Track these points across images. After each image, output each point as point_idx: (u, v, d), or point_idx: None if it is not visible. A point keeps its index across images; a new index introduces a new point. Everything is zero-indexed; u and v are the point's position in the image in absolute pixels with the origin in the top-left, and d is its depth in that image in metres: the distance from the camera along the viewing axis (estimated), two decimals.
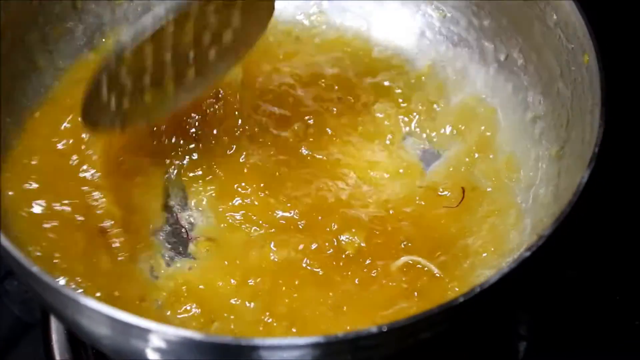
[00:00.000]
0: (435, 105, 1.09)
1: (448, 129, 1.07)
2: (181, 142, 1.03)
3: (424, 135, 1.08)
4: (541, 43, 1.00)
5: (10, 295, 1.03)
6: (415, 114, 1.08)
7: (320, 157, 1.04)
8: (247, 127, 1.04)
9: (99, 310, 0.75)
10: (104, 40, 1.09)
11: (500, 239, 0.97)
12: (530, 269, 0.79)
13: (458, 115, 1.07)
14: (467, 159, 1.04)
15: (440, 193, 1.01)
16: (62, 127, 1.00)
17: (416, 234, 0.97)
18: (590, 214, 0.91)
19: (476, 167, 1.03)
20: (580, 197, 0.82)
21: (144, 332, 0.74)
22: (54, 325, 0.99)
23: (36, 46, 1.02)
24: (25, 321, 1.02)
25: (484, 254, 0.95)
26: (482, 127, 1.05)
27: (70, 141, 0.99)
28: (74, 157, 0.98)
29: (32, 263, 0.77)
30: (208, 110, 1.04)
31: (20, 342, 1.02)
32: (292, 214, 0.98)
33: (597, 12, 0.94)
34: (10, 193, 0.94)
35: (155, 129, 1.02)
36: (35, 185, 0.95)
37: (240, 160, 1.02)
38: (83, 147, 0.99)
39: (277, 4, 0.98)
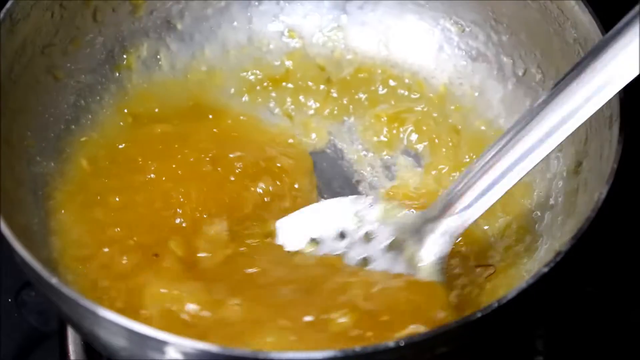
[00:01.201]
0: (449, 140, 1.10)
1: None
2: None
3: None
4: (560, 59, 1.00)
5: (28, 306, 1.03)
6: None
7: None
8: None
9: (116, 322, 0.75)
10: (124, 56, 1.10)
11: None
12: (548, 284, 0.79)
13: (471, 145, 1.08)
14: None
15: None
16: None
17: None
18: (608, 231, 0.91)
19: None
20: (598, 213, 0.82)
21: (161, 344, 0.74)
22: (71, 336, 1.00)
23: (57, 59, 1.03)
24: (42, 331, 1.02)
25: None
26: None
27: None
28: None
29: (51, 275, 0.78)
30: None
31: (37, 352, 1.02)
32: None
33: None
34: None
35: None
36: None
37: None
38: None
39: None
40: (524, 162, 0.87)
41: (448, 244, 0.92)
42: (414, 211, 0.98)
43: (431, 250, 0.93)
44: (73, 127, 1.05)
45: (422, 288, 0.90)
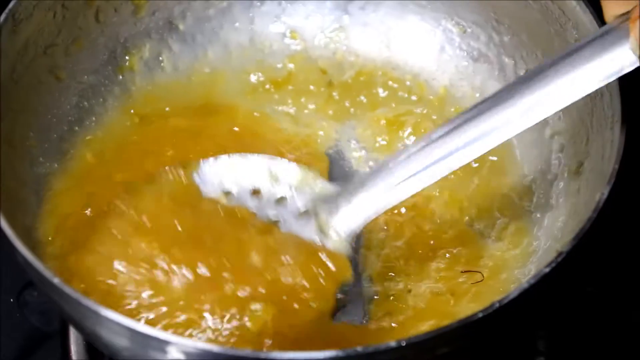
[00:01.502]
0: None
1: None
2: None
3: None
4: None
5: (30, 306, 1.03)
6: None
7: None
8: None
9: (118, 322, 0.75)
10: (127, 57, 1.10)
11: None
12: (550, 285, 0.79)
13: None
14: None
15: None
16: None
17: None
18: (609, 231, 0.91)
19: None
20: (599, 213, 0.82)
21: (163, 344, 0.74)
22: (73, 336, 1.00)
23: (59, 60, 1.03)
24: (43, 331, 1.02)
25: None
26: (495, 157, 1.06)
27: None
28: None
29: (53, 275, 0.78)
30: None
31: (39, 352, 1.02)
32: None
33: None
34: None
35: None
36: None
37: None
38: None
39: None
40: (458, 155, 0.87)
41: (361, 221, 0.92)
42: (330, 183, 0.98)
43: (343, 223, 0.92)
44: (76, 128, 1.06)
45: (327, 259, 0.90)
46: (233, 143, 1.05)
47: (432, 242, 1.00)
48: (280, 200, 0.96)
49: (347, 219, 0.92)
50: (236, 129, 1.09)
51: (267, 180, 0.97)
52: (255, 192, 0.97)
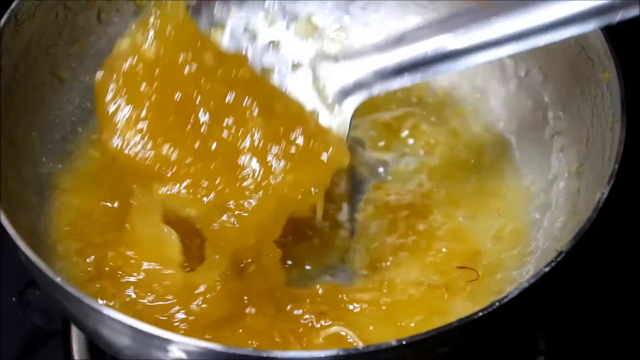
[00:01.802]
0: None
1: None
2: None
3: None
4: (561, 60, 1.00)
5: (32, 305, 1.04)
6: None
7: None
8: None
9: (120, 321, 0.75)
10: None
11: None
12: (550, 285, 0.80)
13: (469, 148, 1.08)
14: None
15: None
16: None
17: None
18: (609, 231, 0.91)
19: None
20: (599, 213, 0.82)
21: (165, 343, 0.75)
22: (75, 334, 1.00)
23: (61, 60, 1.04)
24: (46, 330, 1.03)
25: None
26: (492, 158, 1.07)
27: None
28: None
29: (56, 274, 0.78)
30: None
31: (41, 351, 1.02)
32: None
33: (618, 30, 0.94)
34: None
35: None
36: None
37: None
38: None
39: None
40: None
41: (365, 91, 0.92)
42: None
43: (343, 84, 0.92)
44: (80, 129, 1.06)
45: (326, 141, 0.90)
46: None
47: (425, 239, 1.00)
48: (274, 45, 0.95)
49: (345, 81, 0.91)
50: None
51: (263, 21, 0.95)
52: (250, 31, 0.95)
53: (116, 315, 0.75)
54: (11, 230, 0.81)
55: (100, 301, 0.86)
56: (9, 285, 1.04)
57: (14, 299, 1.04)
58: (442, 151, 1.08)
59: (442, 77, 1.13)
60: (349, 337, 0.87)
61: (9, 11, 0.94)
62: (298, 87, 0.94)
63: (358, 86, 0.93)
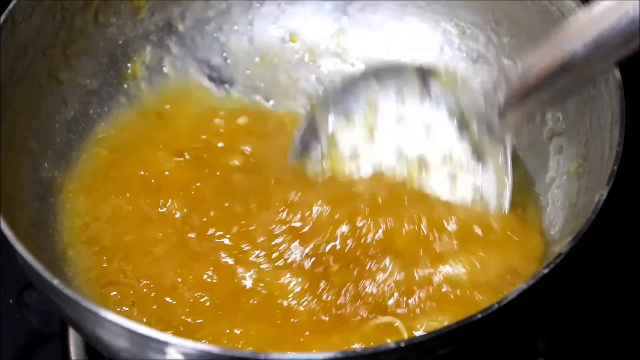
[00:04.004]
0: None
1: None
2: None
3: None
4: None
5: (29, 307, 1.03)
6: None
7: None
8: None
9: (117, 323, 0.75)
10: (129, 65, 1.11)
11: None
12: (549, 286, 0.79)
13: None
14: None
15: None
16: None
17: None
18: (609, 232, 0.91)
19: None
20: (599, 214, 0.82)
21: (162, 345, 0.74)
22: (73, 337, 1.00)
23: (58, 61, 1.03)
24: (43, 332, 1.03)
25: None
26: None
27: None
28: None
29: (53, 276, 0.78)
30: None
31: (39, 353, 1.02)
32: None
33: None
34: None
35: None
36: None
37: None
38: None
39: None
40: None
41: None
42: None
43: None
44: (82, 135, 1.06)
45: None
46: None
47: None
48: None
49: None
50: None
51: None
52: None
53: (113, 318, 0.75)
54: (8, 233, 0.81)
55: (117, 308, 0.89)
56: (7, 287, 1.04)
57: (11, 301, 1.04)
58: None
59: None
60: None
61: (5, 12, 0.94)
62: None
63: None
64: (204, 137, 1.07)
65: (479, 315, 0.75)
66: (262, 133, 1.08)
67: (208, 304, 0.90)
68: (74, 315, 0.81)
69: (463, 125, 0.97)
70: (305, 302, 0.89)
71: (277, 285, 0.91)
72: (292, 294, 0.90)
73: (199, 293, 0.91)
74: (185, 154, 1.04)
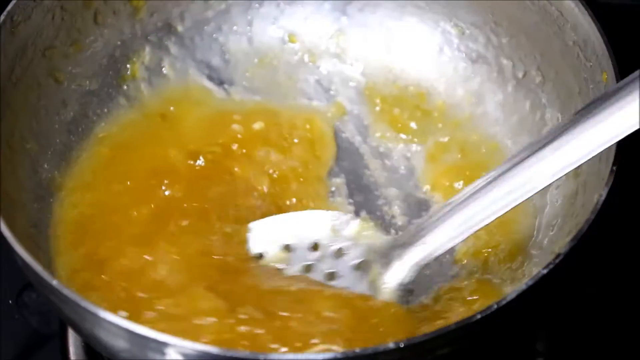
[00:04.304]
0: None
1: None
2: None
3: None
4: (560, 61, 1.00)
5: (29, 307, 1.03)
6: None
7: None
8: None
9: (117, 324, 0.75)
10: (128, 66, 1.10)
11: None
12: (549, 286, 0.79)
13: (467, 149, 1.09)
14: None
15: None
16: None
17: None
18: (608, 232, 0.91)
19: None
20: (598, 214, 0.82)
21: (161, 346, 0.74)
22: (72, 337, 1.00)
23: (58, 62, 1.03)
24: (42, 333, 1.03)
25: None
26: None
27: None
28: None
29: (52, 277, 0.78)
30: None
31: (38, 354, 1.02)
32: None
33: (616, 31, 0.94)
34: None
35: None
36: None
37: None
38: None
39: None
40: (503, 202, 0.86)
41: (413, 272, 0.92)
42: (386, 236, 1.00)
43: (395, 276, 0.93)
44: (82, 135, 1.06)
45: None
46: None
47: None
48: (338, 253, 0.98)
49: (398, 273, 0.93)
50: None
51: (326, 234, 0.99)
52: (314, 247, 0.99)
53: (112, 318, 0.75)
54: (8, 233, 0.81)
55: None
56: (6, 287, 1.04)
57: (11, 302, 1.04)
58: (440, 153, 1.09)
59: (439, 80, 1.13)
60: None
61: (5, 12, 0.94)
62: (356, 286, 0.96)
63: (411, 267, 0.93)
64: (220, 140, 1.07)
65: (478, 316, 0.75)
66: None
67: None
68: (73, 316, 0.81)
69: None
70: None
71: None
72: None
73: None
74: (201, 157, 1.04)
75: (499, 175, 0.86)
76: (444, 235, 0.89)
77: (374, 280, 0.94)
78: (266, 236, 0.98)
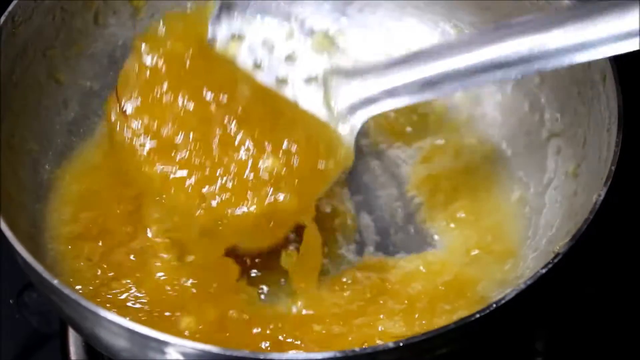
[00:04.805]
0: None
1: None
2: None
3: None
4: None
5: (29, 307, 1.04)
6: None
7: None
8: None
9: (117, 323, 0.75)
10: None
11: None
12: (548, 285, 0.80)
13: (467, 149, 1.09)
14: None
15: None
16: None
17: None
18: (607, 232, 0.91)
19: None
20: (597, 214, 0.82)
21: (162, 345, 0.75)
22: (72, 337, 1.00)
23: (58, 62, 1.03)
24: (43, 332, 1.03)
25: None
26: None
27: None
28: None
29: (53, 277, 0.78)
30: None
31: (38, 353, 1.02)
32: None
33: None
34: None
35: None
36: None
37: None
38: None
39: None
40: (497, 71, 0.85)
41: (366, 113, 0.92)
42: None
43: (349, 101, 0.92)
44: (83, 136, 1.06)
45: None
46: None
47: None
48: (290, 58, 0.96)
49: (355, 97, 0.92)
50: None
51: (282, 33, 0.97)
52: (268, 44, 0.96)
53: (113, 318, 0.75)
54: (8, 233, 0.81)
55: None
56: (6, 287, 1.04)
57: (11, 301, 1.04)
58: (439, 153, 1.09)
59: None
60: None
61: (5, 13, 0.94)
62: (310, 100, 0.94)
63: (367, 102, 0.94)
64: None
65: (477, 315, 0.75)
66: None
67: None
68: (74, 315, 0.81)
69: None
70: None
71: None
72: None
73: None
74: None
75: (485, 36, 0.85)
76: (410, 81, 0.89)
77: (328, 101, 0.93)
78: (224, 21, 0.96)
